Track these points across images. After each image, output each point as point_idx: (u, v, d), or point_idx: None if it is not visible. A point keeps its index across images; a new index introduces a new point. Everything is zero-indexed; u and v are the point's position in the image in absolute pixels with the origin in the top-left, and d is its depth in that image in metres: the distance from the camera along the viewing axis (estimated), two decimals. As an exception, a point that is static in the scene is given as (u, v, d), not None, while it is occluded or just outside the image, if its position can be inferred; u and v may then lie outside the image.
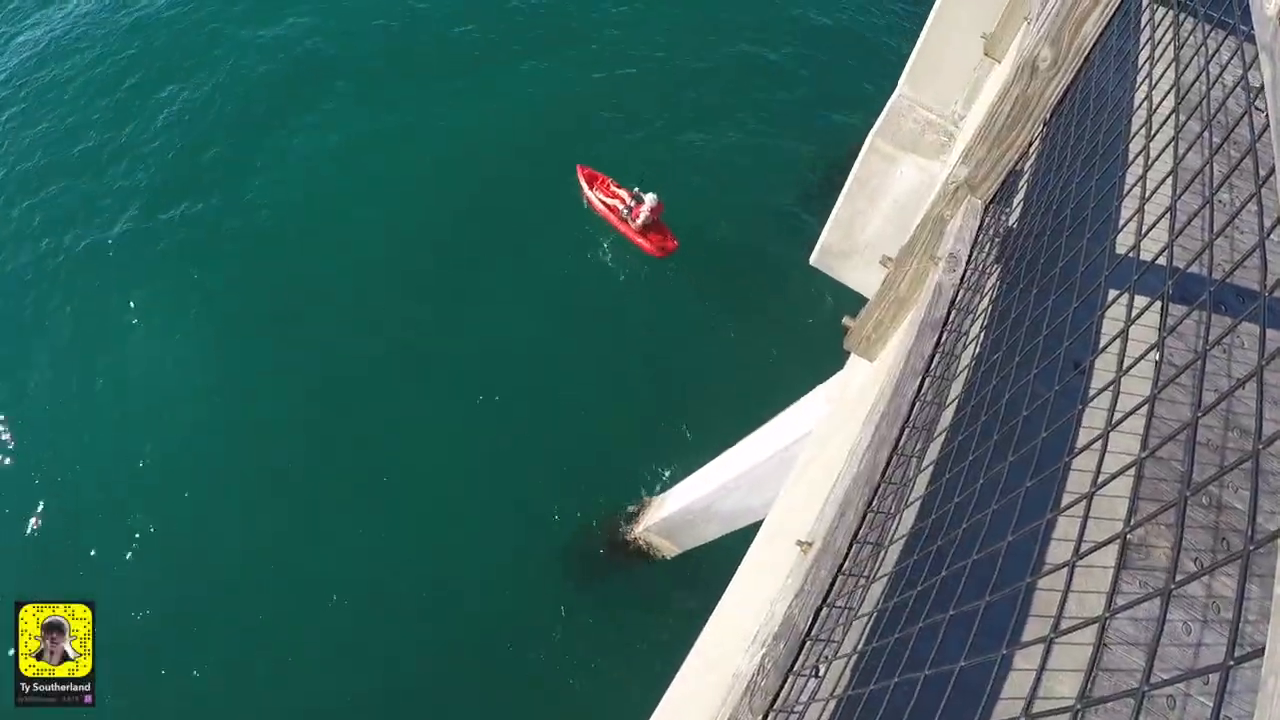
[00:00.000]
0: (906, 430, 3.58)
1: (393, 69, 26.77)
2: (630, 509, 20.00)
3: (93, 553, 18.51)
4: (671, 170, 25.24)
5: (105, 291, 21.76)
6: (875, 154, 10.99)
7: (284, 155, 24.59)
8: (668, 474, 20.27)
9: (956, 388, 3.95)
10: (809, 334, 22.23)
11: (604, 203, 24.07)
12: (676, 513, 17.96)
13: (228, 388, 20.52)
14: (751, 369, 21.67)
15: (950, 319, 4.08)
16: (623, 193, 23.99)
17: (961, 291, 4.25)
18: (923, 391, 3.74)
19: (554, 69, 27.44)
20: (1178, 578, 1.77)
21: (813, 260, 12.12)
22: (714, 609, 7.24)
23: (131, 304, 21.62)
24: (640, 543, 19.61)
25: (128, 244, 22.54)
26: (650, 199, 23.01)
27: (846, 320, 6.13)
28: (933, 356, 3.84)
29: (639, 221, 23.22)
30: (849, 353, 6.48)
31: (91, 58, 26.67)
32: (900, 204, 10.87)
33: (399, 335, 21.49)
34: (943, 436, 3.74)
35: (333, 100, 25.83)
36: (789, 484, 8.10)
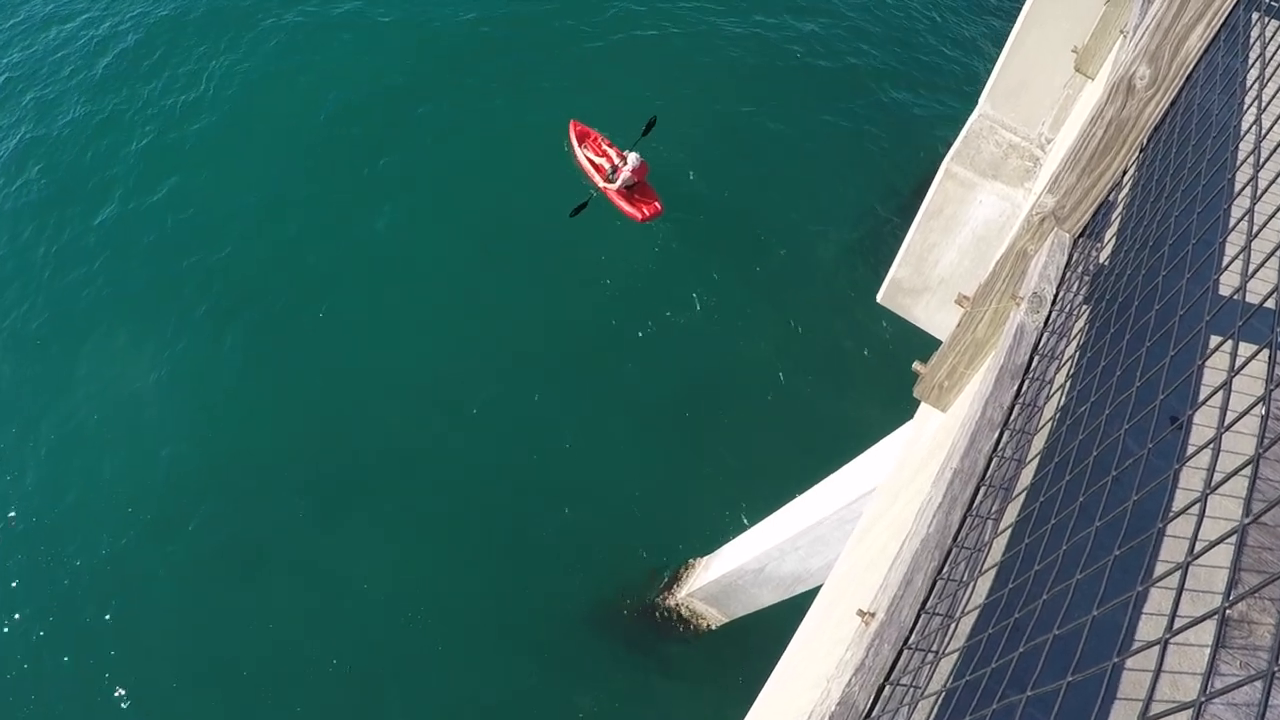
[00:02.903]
0: (982, 489, 3.57)
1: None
2: (671, 571, 19.92)
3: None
4: (728, 191, 25.39)
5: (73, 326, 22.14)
6: (951, 180, 10.99)
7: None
8: (715, 533, 20.15)
9: (1038, 443, 3.94)
10: (875, 380, 22.14)
11: (591, 160, 24.88)
12: (725, 576, 17.89)
13: (212, 435, 20.73)
14: (810, 417, 21.59)
15: (1033, 366, 4.07)
16: (612, 152, 24.77)
17: (1046, 335, 4.24)
18: (1001, 446, 3.73)
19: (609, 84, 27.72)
20: (1282, 659, 1.76)
21: (880, 298, 12.14)
22: (764, 686, 7.22)
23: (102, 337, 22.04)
24: (682, 610, 19.52)
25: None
26: (633, 158, 23.74)
27: (917, 365, 6.12)
28: (1012, 407, 3.83)
29: (619, 181, 23.92)
30: (919, 401, 6.47)
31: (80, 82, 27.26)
32: (978, 236, 10.86)
33: (410, 368, 21.65)
34: (1022, 497, 3.73)
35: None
36: (850, 546, 8.08)
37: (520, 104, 26.84)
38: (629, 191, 24.21)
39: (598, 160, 24.90)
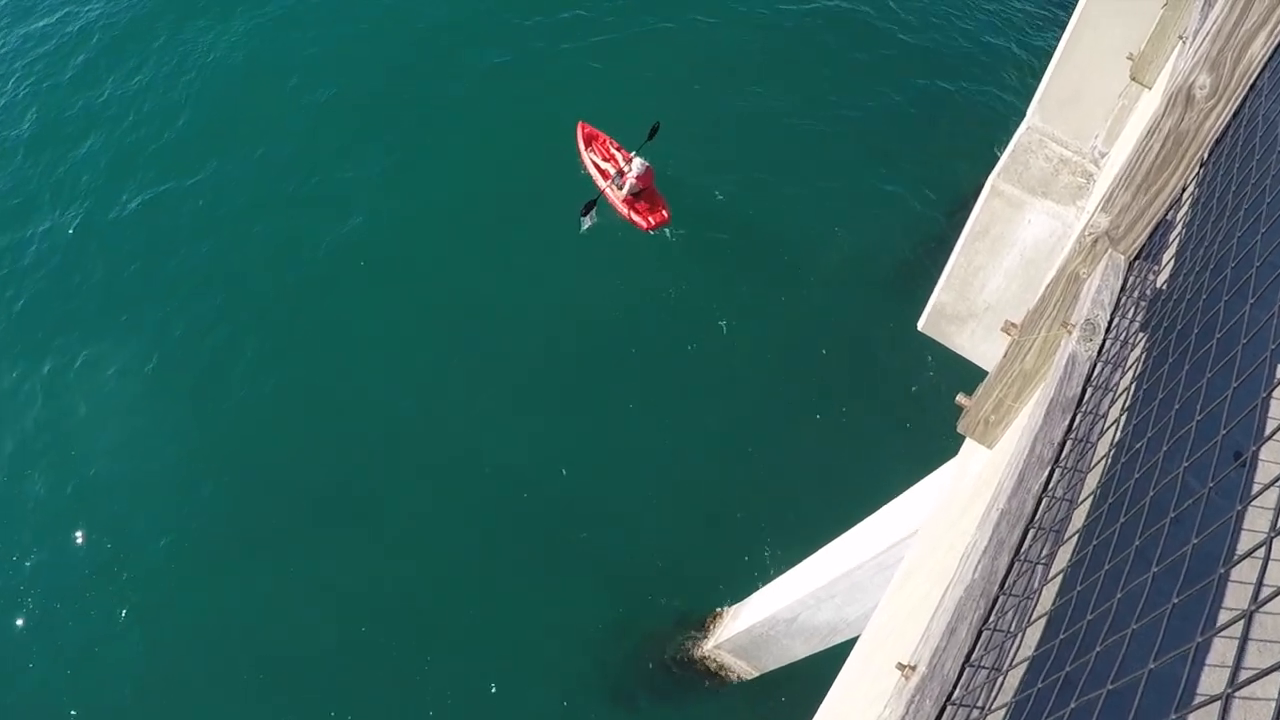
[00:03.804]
0: (1031, 532, 3.57)
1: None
2: (698, 620, 19.87)
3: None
4: (752, 207, 25.45)
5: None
6: (998, 198, 10.98)
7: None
8: (744, 579, 20.11)
9: (1091, 482, 3.93)
10: (915, 414, 22.08)
11: (597, 165, 25.13)
12: (755, 626, 17.83)
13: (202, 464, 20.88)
14: (846, 454, 21.53)
15: (1085, 399, 4.06)
16: (620, 155, 25.02)
17: (1099, 366, 4.24)
18: (1051, 486, 3.73)
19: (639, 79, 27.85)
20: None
21: (922, 325, 12.11)
22: (797, 745, 7.20)
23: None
24: (709, 662, 19.46)
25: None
26: (638, 163, 23.89)
27: (961, 398, 6.12)
28: (1063, 444, 3.83)
29: (625, 188, 24.13)
30: (963, 437, 6.46)
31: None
32: (1027, 258, 10.85)
33: (415, 397, 21.77)
34: (1074, 540, 3.72)
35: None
36: (889, 594, 8.06)
37: (527, 102, 27.09)
38: (634, 198, 24.39)
39: (604, 165, 25.14)
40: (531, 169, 25.58)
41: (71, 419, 21.41)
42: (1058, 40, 11.58)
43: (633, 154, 24.55)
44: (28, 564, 19.82)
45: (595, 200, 24.08)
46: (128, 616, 19.25)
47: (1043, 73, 11.64)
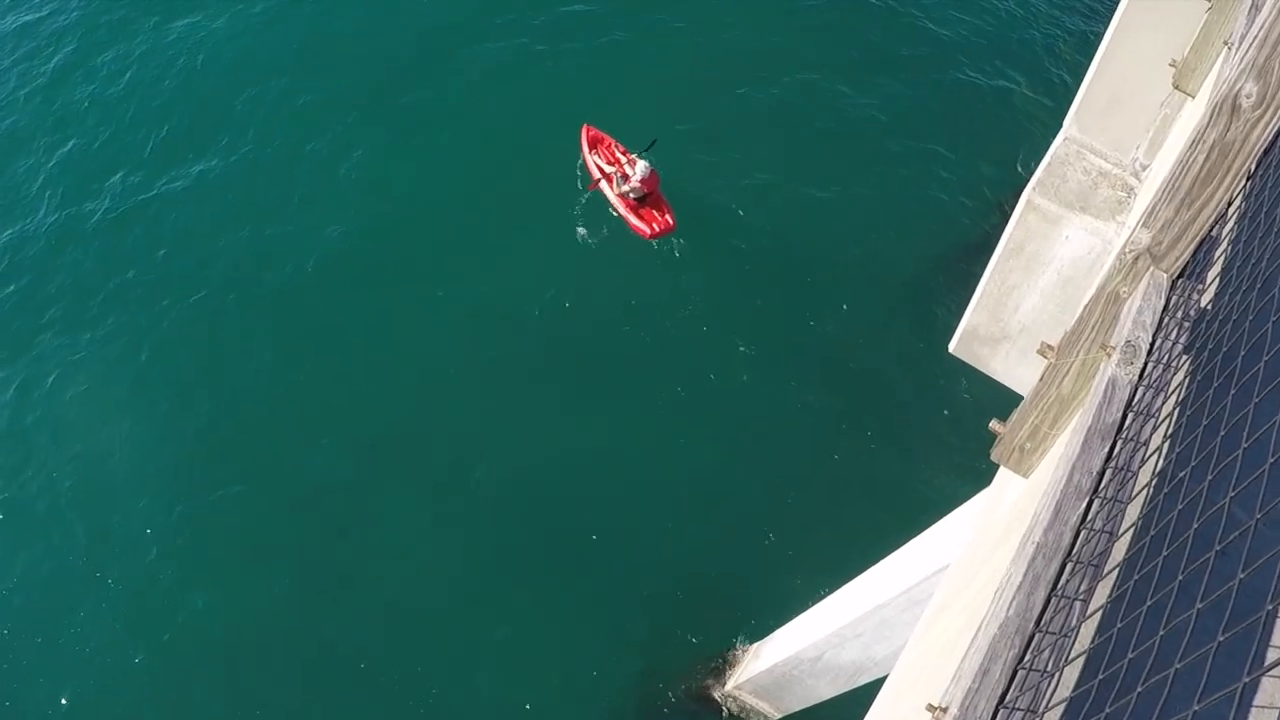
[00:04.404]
0: (1069, 566, 3.56)
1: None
2: (717, 658, 19.83)
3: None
4: (771, 220, 25.45)
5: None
6: (1034, 213, 10.97)
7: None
8: (767, 615, 20.05)
9: (1132, 513, 3.93)
10: (947, 441, 22.04)
11: (600, 168, 25.30)
12: (778, 665, 17.80)
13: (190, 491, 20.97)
14: (874, 484, 21.51)
15: (1126, 425, 4.05)
16: (625, 159, 25.16)
17: (1141, 390, 4.23)
18: (1090, 517, 3.72)
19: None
20: None
21: (953, 347, 12.10)
22: (821, 791, 7.21)
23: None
24: (729, 703, 19.43)
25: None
26: (641, 166, 24.07)
27: (995, 425, 6.11)
28: (1103, 473, 3.82)
29: (626, 187, 24.34)
30: (997, 466, 6.45)
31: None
32: (1064, 277, 10.84)
33: (430, 419, 21.81)
34: (1114, 574, 3.72)
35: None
36: (919, 631, 8.05)
37: (531, 102, 27.30)
38: (639, 203, 24.56)
39: (609, 169, 25.31)
40: (534, 172, 25.74)
41: (47, 425, 21.66)
42: (1096, 46, 11.56)
43: (636, 157, 24.70)
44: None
45: (598, 180, 24.83)
46: (125, 625, 19.55)
47: (1080, 80, 11.63)
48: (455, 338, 22.98)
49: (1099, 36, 11.59)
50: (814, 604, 17.76)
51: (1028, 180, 11.34)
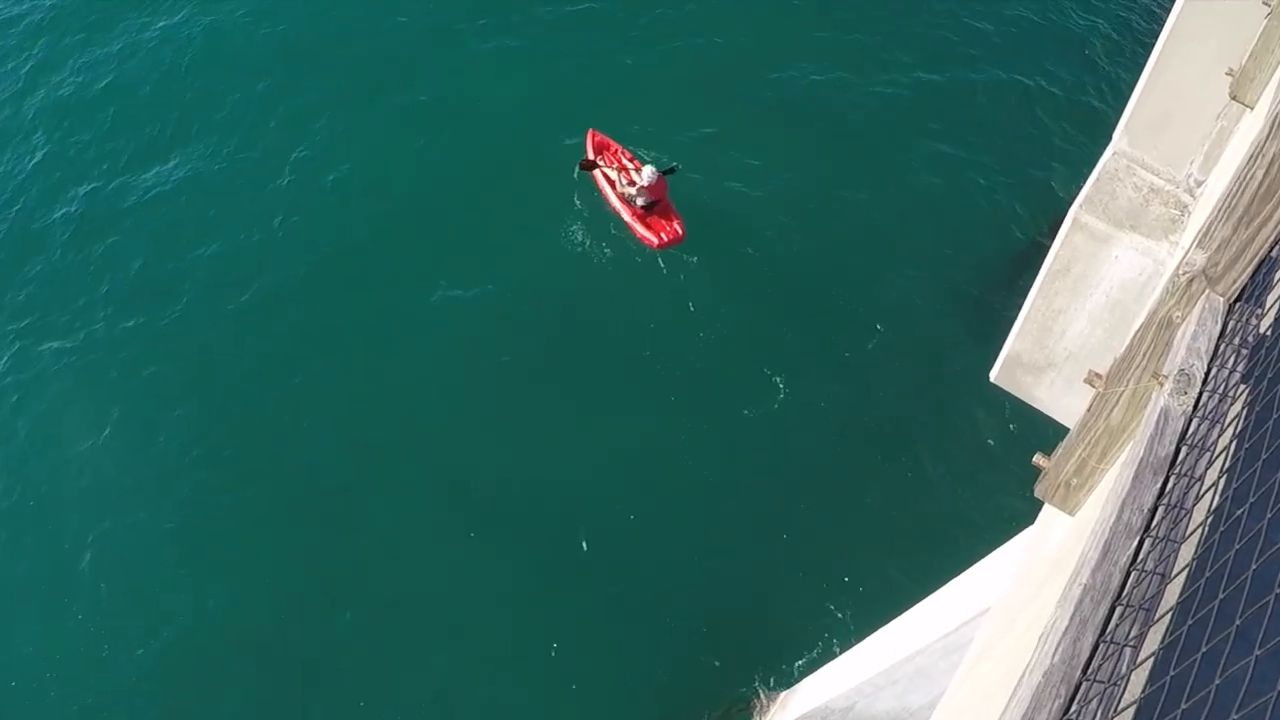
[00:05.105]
0: (1118, 610, 3.56)
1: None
2: (742, 707, 19.77)
3: None
4: (800, 237, 25.45)
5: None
6: (1081, 232, 10.95)
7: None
8: (795, 661, 20.03)
9: (1186, 553, 3.91)
10: (987, 476, 21.96)
11: (606, 175, 25.42)
12: (807, 716, 17.76)
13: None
14: (910, 522, 21.44)
15: (1180, 459, 4.05)
16: (632, 166, 25.33)
17: (1195, 422, 4.22)
18: (1141, 558, 3.72)
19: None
20: None
21: (994, 376, 12.07)
22: None
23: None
24: (755, 758, 19.41)
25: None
26: (648, 172, 24.20)
27: (1039, 459, 6.10)
28: (1154, 510, 3.82)
29: (632, 191, 24.46)
30: (1041, 503, 6.44)
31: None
32: (1113, 300, 10.81)
33: (429, 457, 21.88)
34: (1166, 619, 3.71)
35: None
36: (958, 680, 8.04)
37: (534, 102, 27.52)
38: (646, 212, 24.65)
39: (614, 176, 25.43)
40: (535, 177, 25.90)
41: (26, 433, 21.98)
42: (1147, 54, 11.55)
43: (643, 164, 24.83)
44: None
45: (594, 163, 25.14)
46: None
47: (1131, 90, 11.61)
48: (459, 345, 23.26)
49: (1151, 42, 11.56)
50: (845, 649, 17.74)
51: (1074, 196, 11.33)
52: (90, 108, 27.39)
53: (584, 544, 20.93)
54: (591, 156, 25.97)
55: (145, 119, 27.13)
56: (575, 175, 25.43)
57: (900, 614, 15.71)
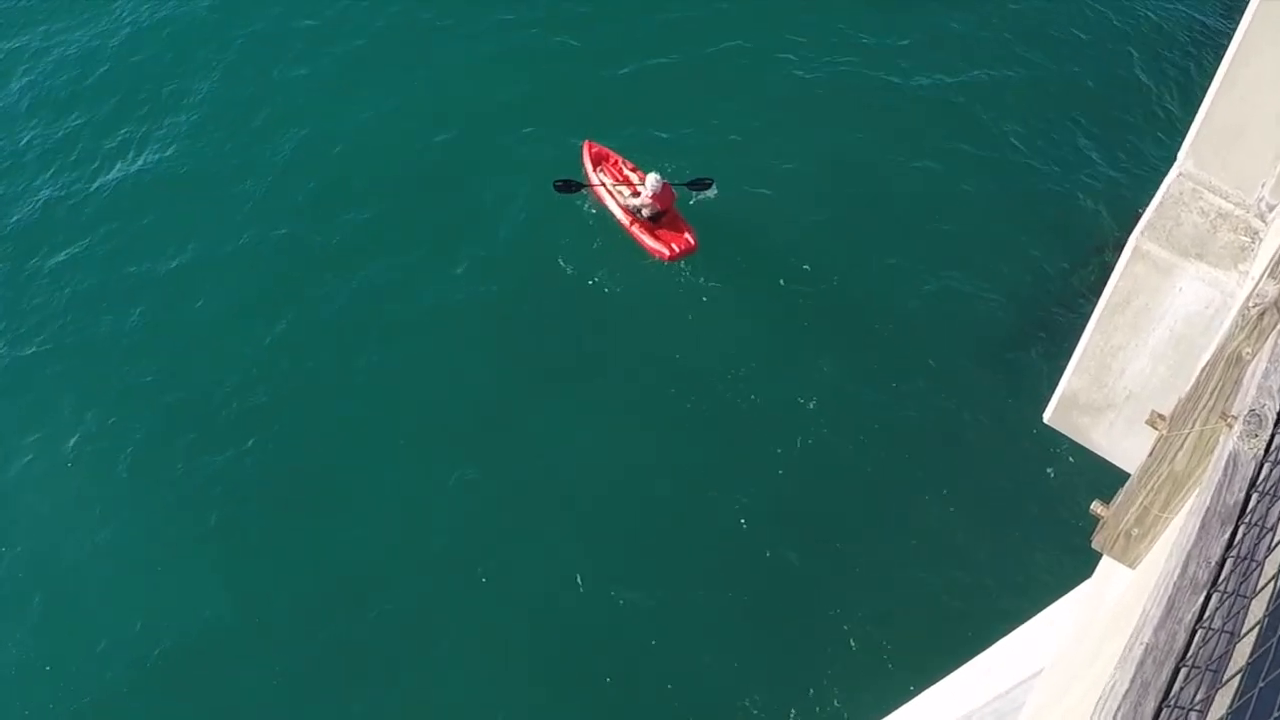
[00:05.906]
0: (1183, 671, 3.54)
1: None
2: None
3: None
4: (836, 263, 25.48)
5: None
6: (1142, 261, 10.91)
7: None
8: (828, 726, 20.02)
9: (1257, 609, 3.90)
10: (1041, 525, 21.86)
11: (607, 187, 25.52)
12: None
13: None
14: (957, 574, 21.35)
15: (1250, 508, 4.03)
16: (634, 176, 25.45)
17: (1267, 466, 4.21)
18: (1208, 615, 3.70)
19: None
20: None
21: (1049, 417, 12.03)
22: None
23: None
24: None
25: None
26: (652, 180, 24.36)
27: (1097, 507, 6.09)
28: (1223, 563, 3.80)
29: (637, 203, 24.62)
30: (1100, 554, 6.43)
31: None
32: (1178, 335, 10.77)
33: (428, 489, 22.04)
34: (1236, 681, 3.69)
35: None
36: (1009, 748, 8.02)
37: (534, 106, 27.66)
38: (654, 224, 24.77)
39: (615, 188, 25.53)
40: (536, 177, 25.98)
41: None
42: (1215, 69, 11.52)
43: (646, 172, 24.93)
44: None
45: (580, 185, 25.13)
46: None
47: (1197, 108, 11.58)
48: (460, 372, 23.44)
49: (1219, 59, 11.53)
50: (887, 714, 17.67)
51: (1134, 221, 11.30)
52: (52, 105, 27.75)
53: (605, 594, 21.00)
54: (589, 169, 26.14)
55: (115, 115, 27.56)
56: (554, 190, 25.29)
57: (946, 675, 15.65)
